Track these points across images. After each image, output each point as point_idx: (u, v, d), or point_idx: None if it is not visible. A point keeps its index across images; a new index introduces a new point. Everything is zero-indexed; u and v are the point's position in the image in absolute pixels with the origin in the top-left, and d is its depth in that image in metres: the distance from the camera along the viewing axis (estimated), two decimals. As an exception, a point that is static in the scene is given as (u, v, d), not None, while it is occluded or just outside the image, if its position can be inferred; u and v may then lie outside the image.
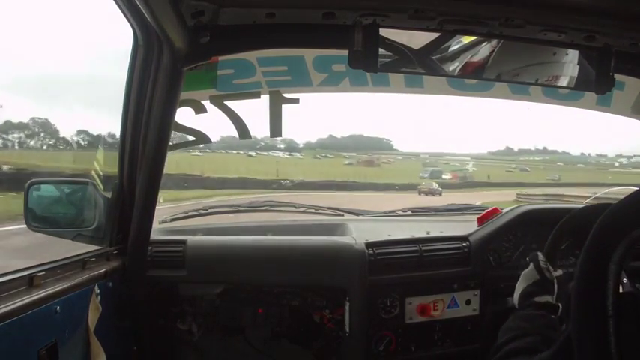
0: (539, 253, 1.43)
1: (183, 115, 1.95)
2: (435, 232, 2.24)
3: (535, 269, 1.39)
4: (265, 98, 2.08)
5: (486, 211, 2.32)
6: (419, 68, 1.64)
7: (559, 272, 1.41)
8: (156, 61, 1.64)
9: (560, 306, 1.30)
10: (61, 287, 1.34)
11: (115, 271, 1.72)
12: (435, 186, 19.71)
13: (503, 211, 2.32)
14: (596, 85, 1.63)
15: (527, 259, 1.46)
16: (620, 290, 0.78)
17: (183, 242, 2.01)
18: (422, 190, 19.24)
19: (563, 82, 1.65)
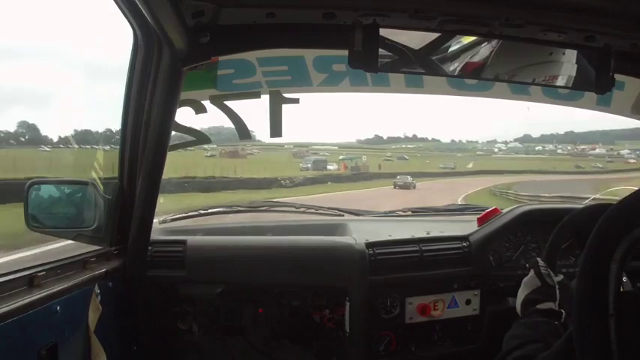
0: (539, 259, 1.41)
1: (184, 115, 1.94)
2: (435, 232, 2.24)
3: (536, 276, 1.36)
4: (265, 98, 2.08)
5: (486, 211, 2.33)
6: (419, 68, 1.64)
7: (560, 277, 1.38)
8: (156, 61, 1.64)
9: (564, 312, 1.28)
10: (61, 287, 1.34)
11: (115, 271, 1.71)
12: (409, 179, 20.48)
13: (504, 211, 2.32)
14: (596, 85, 1.64)
15: (527, 265, 1.43)
16: (621, 290, 0.78)
17: (184, 242, 2.01)
18: (397, 184, 19.79)
19: (564, 82, 1.65)
